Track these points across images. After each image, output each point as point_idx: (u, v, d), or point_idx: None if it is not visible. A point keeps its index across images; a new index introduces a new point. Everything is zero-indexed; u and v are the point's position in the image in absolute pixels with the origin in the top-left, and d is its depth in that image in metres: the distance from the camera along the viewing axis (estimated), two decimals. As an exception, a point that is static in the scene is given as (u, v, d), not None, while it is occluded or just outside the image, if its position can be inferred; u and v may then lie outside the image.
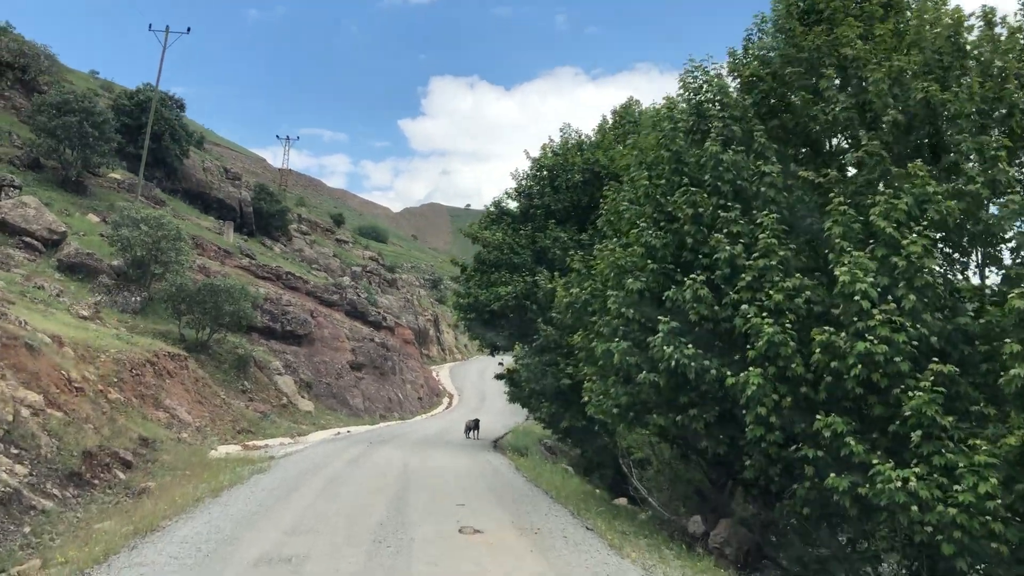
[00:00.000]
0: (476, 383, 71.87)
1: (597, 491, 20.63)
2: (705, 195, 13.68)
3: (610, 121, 32.34)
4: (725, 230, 13.20)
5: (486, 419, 47.37)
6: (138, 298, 39.81)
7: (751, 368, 12.01)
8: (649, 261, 14.09)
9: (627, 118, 31.55)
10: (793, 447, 12.11)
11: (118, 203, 44.07)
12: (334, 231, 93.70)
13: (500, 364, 34.70)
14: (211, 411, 30.64)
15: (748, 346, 12.31)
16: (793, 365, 11.86)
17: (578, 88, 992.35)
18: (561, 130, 32.17)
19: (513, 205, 31.43)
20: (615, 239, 17.19)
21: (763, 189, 13.24)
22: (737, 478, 15.17)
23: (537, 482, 19.51)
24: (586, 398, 17.44)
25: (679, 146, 14.54)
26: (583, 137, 31.74)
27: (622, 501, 19.36)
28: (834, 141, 15.30)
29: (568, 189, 29.44)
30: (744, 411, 12.25)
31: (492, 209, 31.81)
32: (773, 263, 12.42)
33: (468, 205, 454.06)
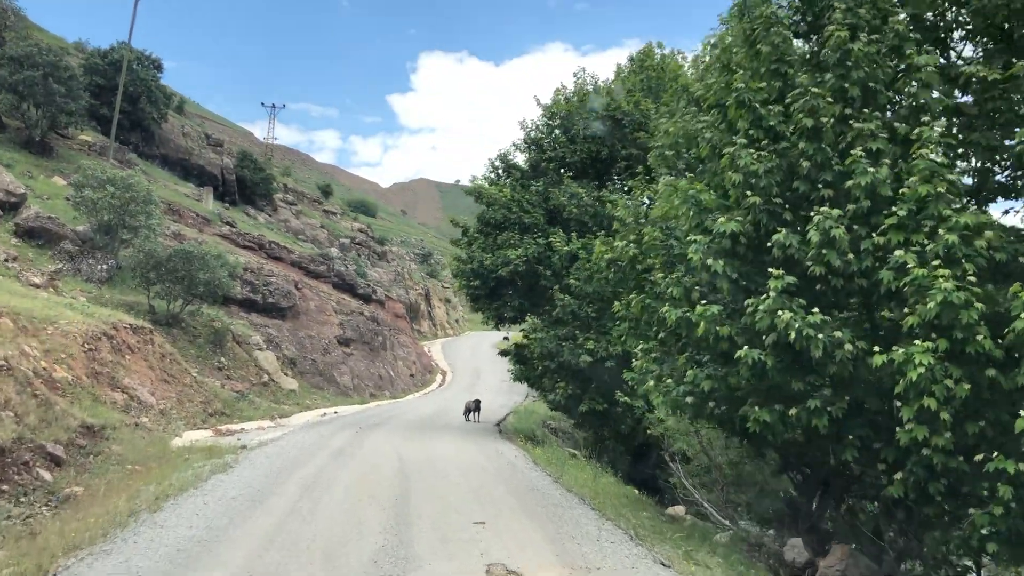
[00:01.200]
0: (469, 359, 68.01)
1: (637, 493, 16.73)
2: (829, 100, 9.65)
3: (626, 70, 28.21)
4: (861, 147, 9.21)
5: (483, 398, 43.68)
6: (104, 266, 35.75)
7: (917, 342, 8.11)
8: (748, 192, 10.09)
9: (647, 64, 27.46)
10: (973, 457, 8.25)
11: (83, 163, 39.66)
12: (322, 202, 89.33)
13: (505, 338, 30.56)
14: (179, 391, 26.63)
15: (905, 310, 8.41)
16: (979, 338, 7.96)
17: (569, 64, 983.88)
18: (575, 75, 28.07)
19: (521, 159, 27.35)
20: (670, 175, 13.23)
21: (914, 89, 9.24)
22: (852, 490, 11.30)
23: (564, 482, 15.67)
24: (634, 382, 13.53)
25: (781, 38, 10.42)
26: (601, 83, 27.53)
27: (679, 511, 15.45)
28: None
29: (585, 140, 25.42)
30: (899, 403, 8.38)
31: (497, 163, 27.68)
32: (940, 190, 8.48)
33: (458, 181, 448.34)
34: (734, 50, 11.36)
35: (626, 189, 24.27)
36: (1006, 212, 10.91)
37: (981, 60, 9.78)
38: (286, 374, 38.87)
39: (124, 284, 35.34)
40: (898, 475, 8.83)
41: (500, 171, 27.42)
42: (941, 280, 7.90)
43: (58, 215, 36.27)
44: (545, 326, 23.49)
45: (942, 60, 9.68)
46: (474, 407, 32.44)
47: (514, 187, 25.68)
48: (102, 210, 34.35)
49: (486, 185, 26.62)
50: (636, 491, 16.66)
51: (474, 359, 68.78)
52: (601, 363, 21.76)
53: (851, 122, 9.43)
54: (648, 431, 20.65)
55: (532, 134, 26.82)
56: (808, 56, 10.65)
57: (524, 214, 24.80)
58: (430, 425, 29.17)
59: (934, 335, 8.11)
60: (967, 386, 8.04)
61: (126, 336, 25.89)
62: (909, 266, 8.25)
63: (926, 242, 8.38)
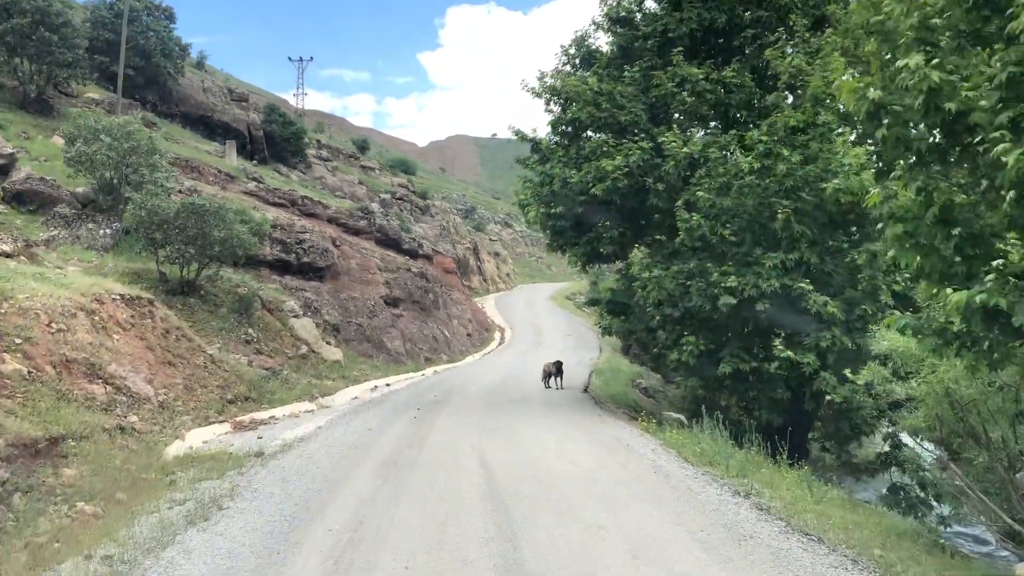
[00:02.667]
0: (527, 314, 61.87)
1: (910, 527, 10.20)
2: None
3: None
4: None
5: (550, 356, 37.62)
6: (107, 231, 30.12)
7: None
8: None
9: None
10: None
11: (71, 111, 33.75)
12: (358, 158, 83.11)
13: (593, 284, 23.91)
14: (188, 375, 20.77)
15: None
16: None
17: (597, 8, 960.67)
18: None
19: (604, 42, 20.63)
20: None
21: None
22: None
23: (775, 508, 9.34)
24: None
25: None
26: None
27: None
28: None
29: (693, 4, 18.57)
30: None
31: (572, 50, 20.91)
32: None
33: (495, 134, 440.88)
34: None
35: (760, 64, 17.68)
36: None
37: None
38: (328, 343, 33.01)
39: (132, 250, 29.67)
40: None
41: (576, 61, 20.72)
42: None
43: (55, 177, 30.67)
44: (659, 260, 17.01)
45: None
46: (555, 370, 26.30)
47: (600, 78, 18.93)
48: (100, 166, 28.65)
49: (556, 84, 19.80)
50: (899, 523, 10.14)
51: (532, 313, 62.65)
52: (747, 305, 15.36)
53: None
54: (828, 397, 14.22)
55: (618, 8, 19.99)
56: None
57: (618, 111, 18.16)
58: (505, 398, 23.09)
59: None
60: None
61: (114, 310, 20.02)
62: None
63: None
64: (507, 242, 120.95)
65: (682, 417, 25.52)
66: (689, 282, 15.97)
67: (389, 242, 49.02)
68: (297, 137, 65.82)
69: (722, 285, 15.20)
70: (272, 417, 20.73)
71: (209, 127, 57.77)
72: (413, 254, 49.85)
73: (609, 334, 23.77)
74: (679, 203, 16.13)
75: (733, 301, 14.90)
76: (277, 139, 63.70)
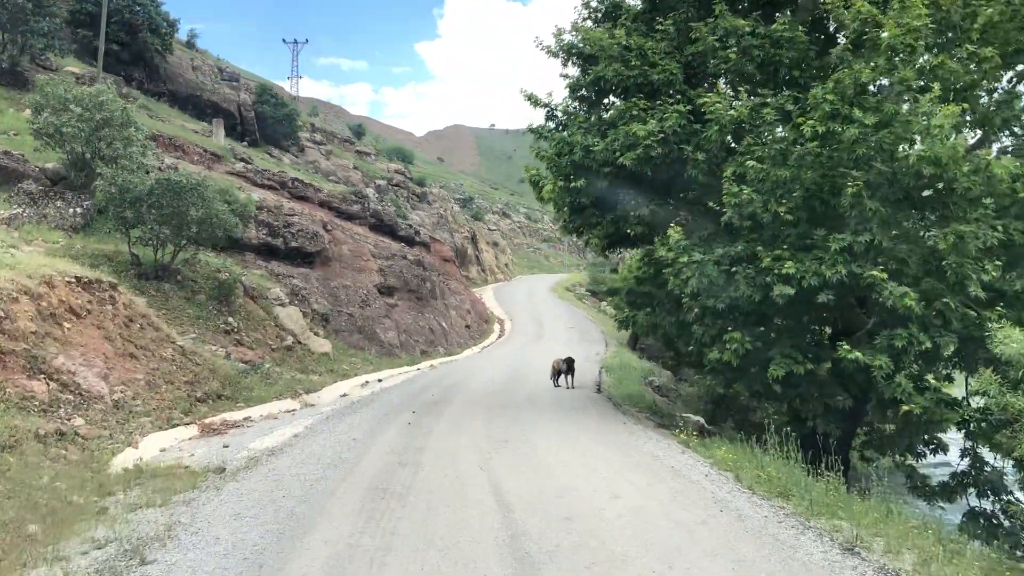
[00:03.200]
0: (527, 306, 59.30)
1: None
2: None
3: None
4: None
5: (554, 350, 35.07)
6: (77, 209, 27.50)
7: None
8: None
9: None
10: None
11: (38, 78, 31.01)
12: (354, 142, 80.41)
13: (613, 271, 21.05)
14: (152, 369, 18.21)
15: None
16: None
17: None
18: None
19: (633, -10, 17.80)
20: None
21: None
22: None
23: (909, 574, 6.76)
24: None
25: None
26: None
27: None
28: None
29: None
30: None
31: (593, 2, 18.09)
32: None
33: (493, 125, 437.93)
34: None
35: (817, 16, 15.07)
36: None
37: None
38: (316, 334, 30.43)
39: (104, 231, 27.10)
40: None
41: (598, 15, 17.98)
42: None
43: (23, 151, 28.11)
44: (696, 243, 14.36)
45: None
46: (565, 368, 23.72)
47: (628, 31, 16.21)
48: (71, 139, 26.06)
49: (577, 40, 17.00)
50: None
51: (533, 305, 60.09)
52: (804, 297, 12.78)
53: None
54: (904, 407, 11.68)
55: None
56: None
57: (650, 68, 15.47)
58: (511, 399, 20.55)
59: None
60: None
61: (68, 294, 17.44)
62: None
63: None
64: (505, 232, 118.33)
65: (702, 420, 23.02)
66: (735, 269, 13.41)
67: (384, 228, 46.41)
68: (290, 119, 63.15)
69: (775, 272, 12.65)
70: (247, 418, 18.16)
71: (198, 107, 55.08)
72: (409, 241, 47.24)
73: (629, 328, 21.17)
74: (727, 173, 13.45)
75: (791, 291, 12.33)
76: (269, 121, 61.06)
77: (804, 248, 13.01)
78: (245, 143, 54.95)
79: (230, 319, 26.23)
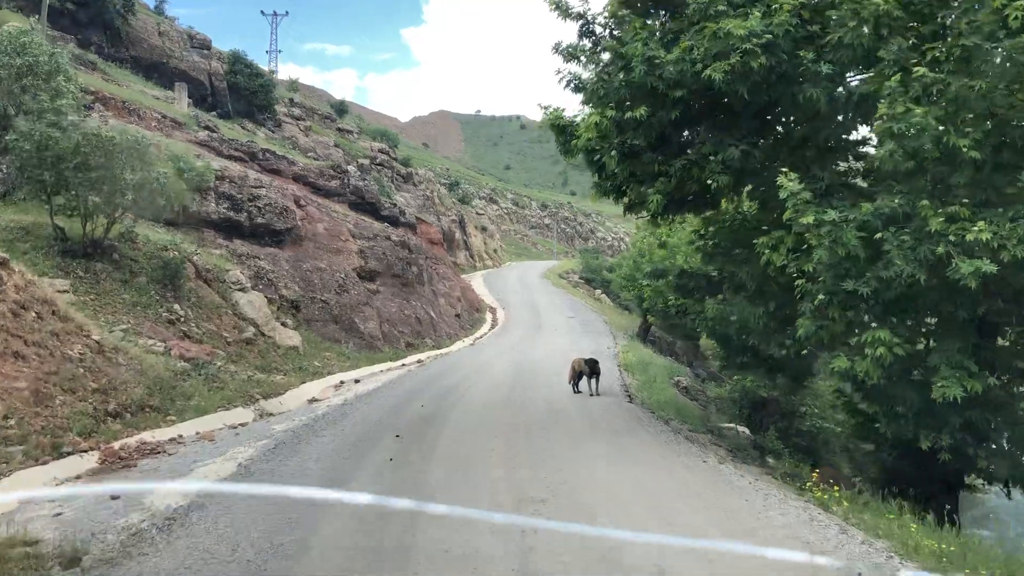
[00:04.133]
0: (521, 294, 54.69)
1: None
2: None
3: None
4: None
5: (558, 343, 30.70)
6: (-7, 174, 22.84)
7: None
8: None
9: None
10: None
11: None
12: (335, 119, 75.33)
13: (692, 242, 15.72)
14: (45, 373, 13.51)
15: None
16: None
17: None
18: None
19: None
20: None
21: None
22: None
23: None
24: None
25: None
26: None
27: None
28: None
29: None
30: None
31: None
32: None
33: (479, 111, 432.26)
34: None
35: None
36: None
37: None
38: (284, 324, 25.78)
39: (19, 197, 22.39)
40: None
41: None
42: None
43: (-66, 106, 23.16)
44: (823, 195, 9.65)
45: None
46: (589, 371, 19.04)
47: None
48: (-17, 90, 21.34)
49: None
50: None
51: (526, 292, 55.49)
52: (995, 277, 8.27)
53: None
54: None
55: None
56: None
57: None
58: (530, 416, 15.84)
59: None
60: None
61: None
62: None
63: None
64: (492, 218, 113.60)
65: (746, 431, 18.58)
66: (882, 235, 8.90)
67: (365, 206, 41.68)
68: (266, 91, 58.01)
69: (951, 239, 8.19)
70: (175, 439, 13.55)
71: (164, 75, 49.87)
72: (393, 221, 42.54)
73: (675, 319, 16.49)
74: (891, 83, 8.81)
75: (992, 268, 7.89)
76: (243, 92, 55.94)
77: (988, 204, 8.57)
78: (215, 115, 49.98)
79: (176, 306, 21.51)
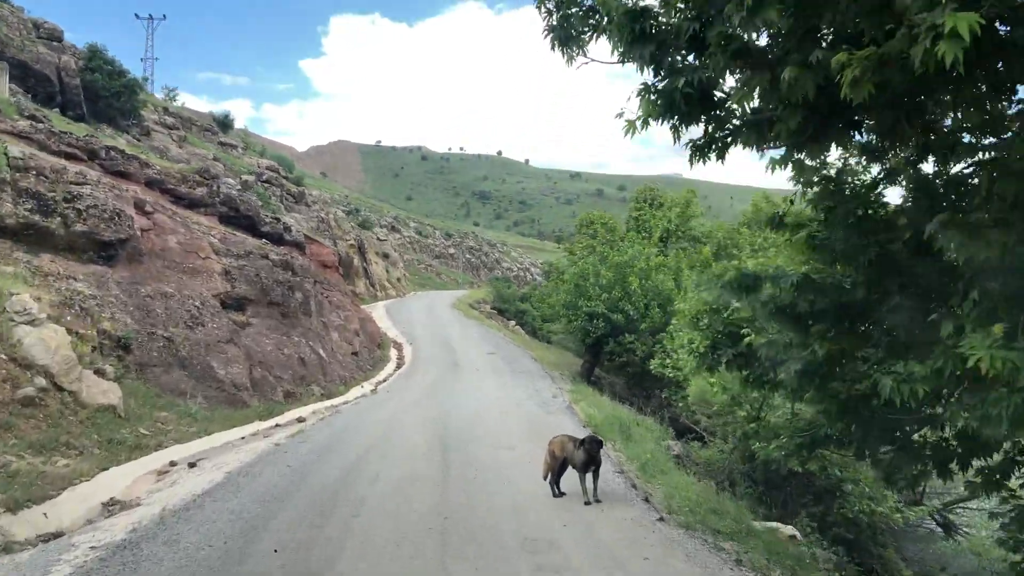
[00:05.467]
0: (429, 326, 47.03)
1: None
2: None
3: None
4: None
5: (484, 387, 23.76)
6: None
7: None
8: None
9: None
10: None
11: None
12: (217, 132, 66.52)
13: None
14: None
15: None
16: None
17: (482, 23, 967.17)
18: None
19: None
20: None
21: None
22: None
23: None
24: None
25: None
26: None
27: None
28: None
29: None
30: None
31: None
32: None
33: (379, 141, 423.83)
34: None
35: None
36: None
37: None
38: (101, 372, 17.72)
39: None
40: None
41: None
42: None
43: None
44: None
45: None
46: (587, 460, 11.36)
47: None
48: None
49: None
50: None
51: (436, 324, 47.89)
52: None
53: None
54: None
55: None
56: None
57: None
58: (495, 568, 8.39)
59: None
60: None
61: None
62: None
63: None
64: (395, 247, 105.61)
65: (796, 533, 11.68)
66: None
67: (240, 220, 33.56)
68: (131, 93, 49.14)
69: None
70: None
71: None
72: (276, 238, 34.50)
73: (761, 365, 9.37)
74: None
75: None
76: (102, 93, 46.94)
77: None
78: (70, 117, 40.96)
79: None
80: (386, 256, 78.04)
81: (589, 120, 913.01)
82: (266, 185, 59.51)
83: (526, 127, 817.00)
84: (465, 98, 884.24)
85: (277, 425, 19.52)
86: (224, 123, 72.71)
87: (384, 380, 29.06)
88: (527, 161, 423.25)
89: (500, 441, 16.06)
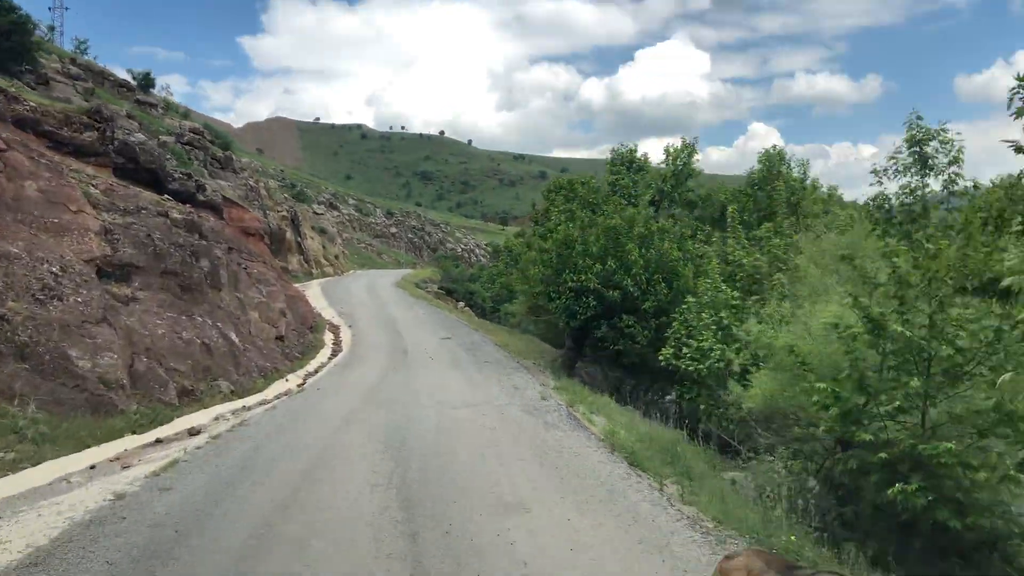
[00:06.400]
0: (372, 306, 40.95)
1: None
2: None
3: None
4: None
5: (453, 387, 18.18)
6: None
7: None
8: None
9: None
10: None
11: None
12: (133, 89, 58.88)
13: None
14: None
15: None
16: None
17: (424, 4, 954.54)
18: None
19: None
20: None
21: None
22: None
23: None
24: None
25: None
26: None
27: None
28: None
29: None
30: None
31: None
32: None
33: (318, 118, 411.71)
34: None
35: None
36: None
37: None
38: None
39: None
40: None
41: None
42: None
43: None
44: None
45: None
46: None
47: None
48: None
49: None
50: None
51: (379, 304, 41.82)
52: None
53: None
54: None
55: None
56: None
57: None
58: None
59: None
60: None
61: None
62: None
63: None
64: (333, 224, 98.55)
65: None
66: None
67: (141, 174, 27.19)
68: (21, 30, 41.69)
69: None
70: None
71: None
72: (186, 198, 28.15)
73: None
74: None
75: None
76: (-16, 30, 39.52)
77: None
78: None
79: None
80: (323, 232, 71.37)
81: (533, 104, 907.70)
82: (187, 147, 52.51)
83: (470, 108, 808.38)
84: (408, 78, 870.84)
85: (159, 441, 13.52)
86: (145, 83, 64.70)
87: (316, 372, 23.04)
88: (470, 142, 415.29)
89: (500, 491, 10.24)
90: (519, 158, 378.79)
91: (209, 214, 28.69)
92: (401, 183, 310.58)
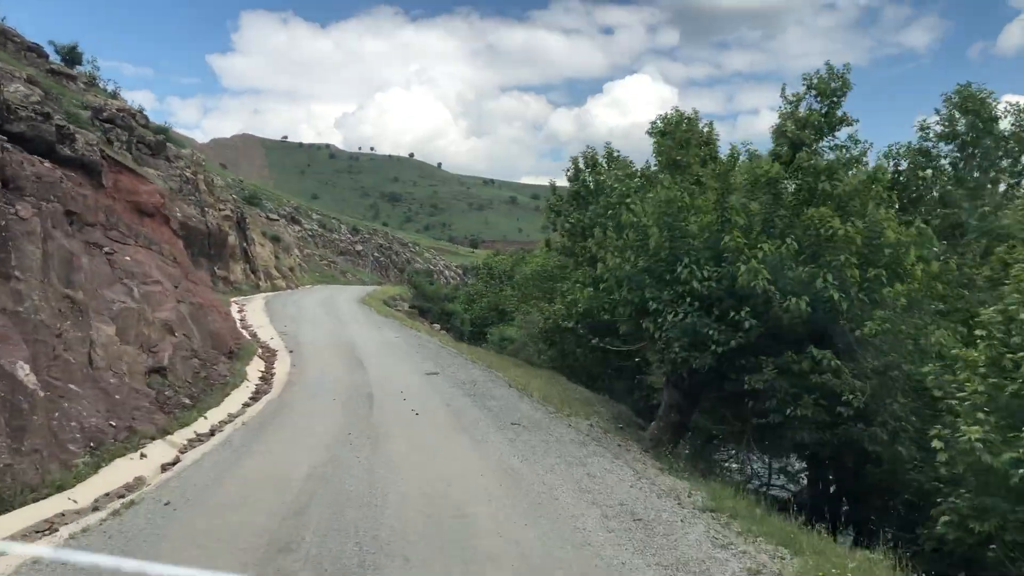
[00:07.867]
0: (327, 326, 30.25)
1: None
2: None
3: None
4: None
5: (433, 470, 7.23)
6: None
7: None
8: None
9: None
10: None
11: None
12: (48, 56, 48.01)
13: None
14: None
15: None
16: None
17: (397, 29, 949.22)
18: None
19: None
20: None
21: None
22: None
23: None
24: None
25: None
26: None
27: None
28: None
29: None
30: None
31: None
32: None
33: (286, 137, 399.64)
34: None
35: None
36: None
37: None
38: None
39: None
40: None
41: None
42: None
43: None
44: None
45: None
46: None
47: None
48: None
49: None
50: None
51: (336, 325, 31.19)
52: None
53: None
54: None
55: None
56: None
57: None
58: None
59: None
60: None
61: None
62: None
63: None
64: (295, 240, 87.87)
65: None
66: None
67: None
68: None
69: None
70: None
71: None
72: (39, 146, 17.54)
73: None
74: None
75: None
76: None
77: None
78: None
79: None
80: (277, 239, 60.66)
81: (503, 131, 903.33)
82: (108, 125, 41.89)
83: (439, 133, 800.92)
84: (378, 100, 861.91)
85: None
86: (70, 56, 53.80)
87: (211, 434, 12.59)
88: (440, 165, 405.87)
89: None
90: (488, 183, 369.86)
91: (78, 175, 18.25)
92: (369, 203, 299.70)
